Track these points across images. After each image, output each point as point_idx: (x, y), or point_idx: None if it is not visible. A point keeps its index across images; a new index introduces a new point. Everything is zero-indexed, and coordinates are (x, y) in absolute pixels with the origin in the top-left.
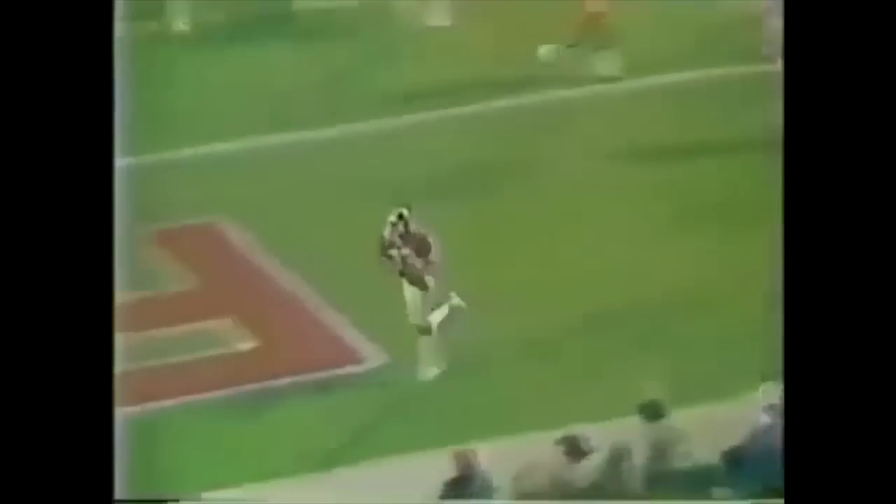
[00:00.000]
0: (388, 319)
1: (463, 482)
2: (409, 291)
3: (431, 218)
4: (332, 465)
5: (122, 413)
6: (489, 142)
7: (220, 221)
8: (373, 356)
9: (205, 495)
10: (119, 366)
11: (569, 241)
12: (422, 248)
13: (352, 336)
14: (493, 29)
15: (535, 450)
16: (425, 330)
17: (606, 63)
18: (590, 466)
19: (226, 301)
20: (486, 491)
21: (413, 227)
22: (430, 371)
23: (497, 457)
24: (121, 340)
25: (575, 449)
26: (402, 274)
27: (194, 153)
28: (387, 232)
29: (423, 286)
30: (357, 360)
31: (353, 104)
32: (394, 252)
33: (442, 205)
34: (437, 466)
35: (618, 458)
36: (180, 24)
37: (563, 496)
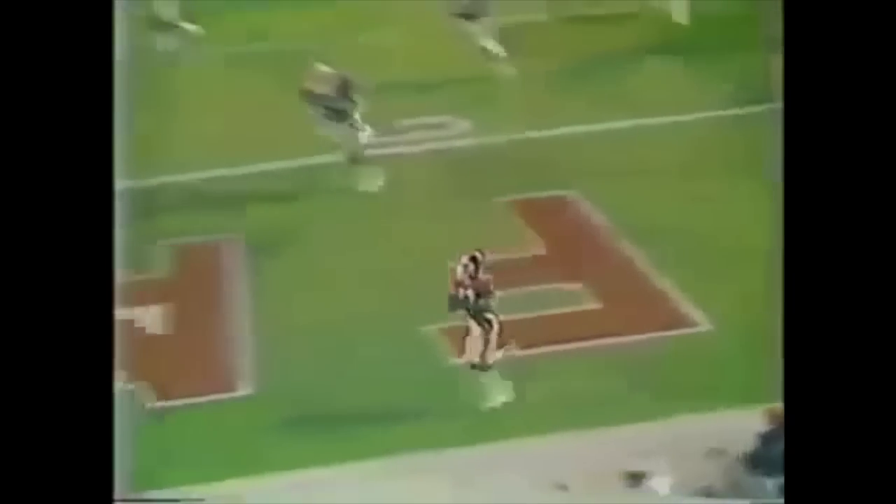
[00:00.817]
0: (714, 290)
1: (773, 435)
2: (475, 330)
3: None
4: (664, 415)
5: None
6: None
7: (570, 195)
8: (701, 322)
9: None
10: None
11: None
12: (485, 291)
13: (684, 304)
14: None
15: None
16: (484, 367)
17: None
18: None
19: (575, 266)
20: None
21: (482, 271)
22: (497, 400)
23: None
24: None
25: None
26: (468, 312)
27: (547, 134)
28: (459, 272)
29: (485, 326)
30: (688, 324)
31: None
32: (460, 292)
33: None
34: (751, 421)
35: None
36: None
37: None
